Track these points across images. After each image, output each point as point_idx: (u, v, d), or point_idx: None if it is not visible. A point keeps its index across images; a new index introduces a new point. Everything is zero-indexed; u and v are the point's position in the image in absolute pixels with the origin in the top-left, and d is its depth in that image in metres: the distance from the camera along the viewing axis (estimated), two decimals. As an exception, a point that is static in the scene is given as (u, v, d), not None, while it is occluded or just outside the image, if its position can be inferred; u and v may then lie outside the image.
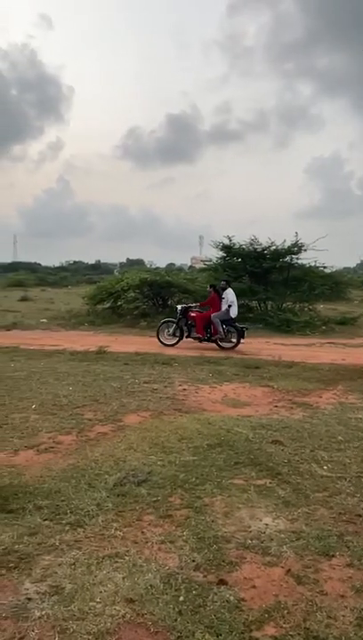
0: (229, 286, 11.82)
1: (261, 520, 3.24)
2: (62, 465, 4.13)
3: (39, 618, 2.27)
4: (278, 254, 16.73)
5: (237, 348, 11.05)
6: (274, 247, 16.83)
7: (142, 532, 3.06)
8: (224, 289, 11.64)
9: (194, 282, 17.43)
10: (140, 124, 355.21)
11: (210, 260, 19.09)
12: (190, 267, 66.96)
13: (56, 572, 2.62)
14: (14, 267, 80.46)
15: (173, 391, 6.88)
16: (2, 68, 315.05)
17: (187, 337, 11.58)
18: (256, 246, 17.06)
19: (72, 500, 3.43)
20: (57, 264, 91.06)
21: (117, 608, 2.33)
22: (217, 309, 11.45)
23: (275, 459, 4.30)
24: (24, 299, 26.54)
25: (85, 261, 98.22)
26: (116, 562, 2.73)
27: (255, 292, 16.40)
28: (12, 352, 9.94)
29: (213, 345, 11.36)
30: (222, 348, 11.23)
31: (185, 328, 11.61)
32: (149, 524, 3.16)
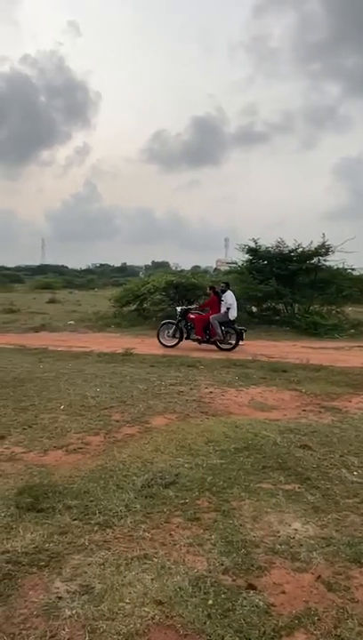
0: (229, 289, 11.92)
1: (290, 525, 3.21)
2: (91, 465, 4.18)
3: (70, 617, 2.30)
4: (305, 256, 16.55)
5: (262, 352, 10.97)
6: (301, 249, 16.67)
7: (170, 535, 3.06)
8: (223, 291, 11.75)
9: (220, 284, 17.38)
10: (166, 127, 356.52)
11: (235, 263, 19.04)
12: (215, 269, 66.80)
13: (86, 572, 2.64)
14: (42, 269, 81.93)
15: (199, 394, 6.88)
16: (31, 75, 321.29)
17: (186, 338, 11.71)
18: (282, 248, 16.93)
19: (101, 501, 3.46)
20: (84, 267, 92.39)
21: (147, 609, 2.34)
22: (216, 311, 11.56)
23: (304, 463, 4.25)
24: (52, 301, 27.01)
25: (112, 264, 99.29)
26: (145, 563, 2.74)
27: (282, 294, 16.25)
28: (40, 353, 10.11)
29: (235, 348, 11.33)
30: (222, 350, 11.33)
31: (185, 329, 11.73)
32: (177, 527, 3.16)
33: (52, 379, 7.60)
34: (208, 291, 12.42)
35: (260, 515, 3.34)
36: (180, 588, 2.51)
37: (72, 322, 16.71)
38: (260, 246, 17.31)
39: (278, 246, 17.05)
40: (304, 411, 6.14)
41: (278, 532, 3.12)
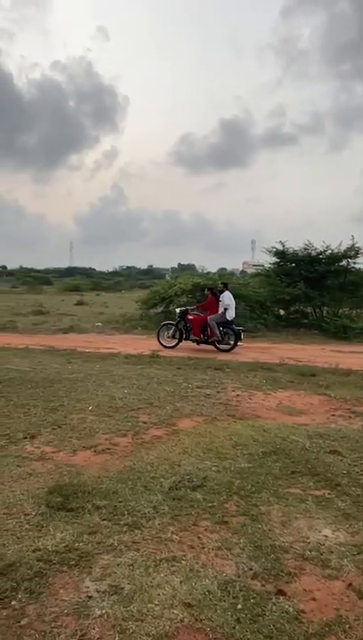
0: (227, 289, 11.95)
1: (320, 531, 3.16)
2: (119, 466, 4.21)
3: (99, 616, 2.32)
4: (334, 258, 16.31)
5: (290, 356, 10.86)
6: (329, 251, 16.44)
7: (199, 538, 3.06)
8: (221, 292, 11.80)
9: (247, 287, 17.27)
10: (193, 129, 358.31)
11: (262, 266, 18.91)
12: (242, 271, 66.54)
13: (115, 572, 2.67)
14: (70, 272, 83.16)
15: (226, 397, 6.86)
16: (60, 81, 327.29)
17: (186, 339, 11.79)
18: (311, 250, 16.73)
19: (129, 502, 3.48)
20: (111, 269, 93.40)
21: (176, 612, 2.34)
22: (214, 312, 11.61)
23: (333, 469, 4.18)
24: (80, 303, 27.34)
25: (138, 266, 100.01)
26: (174, 565, 2.74)
27: (310, 297, 16.05)
28: (69, 354, 10.25)
29: (259, 350, 11.25)
30: (220, 351, 11.40)
31: (184, 330, 11.83)
32: (206, 530, 3.15)
33: (80, 379, 7.70)
34: (206, 291, 12.53)
35: (289, 520, 3.30)
36: (208, 591, 2.50)
37: (100, 324, 16.88)
38: (287, 248, 17.14)
39: (305, 248, 16.86)
40: (333, 415, 6.05)
41: (308, 538, 3.08)
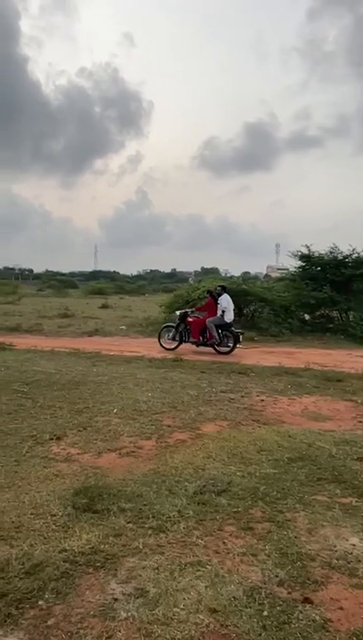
0: (226, 292, 11.98)
1: (347, 540, 3.11)
2: (143, 469, 4.23)
3: (125, 619, 2.33)
4: (361, 262, 16.06)
5: (315, 360, 10.73)
6: (356, 254, 16.21)
7: (224, 543, 3.04)
8: (220, 295, 11.87)
9: (271, 291, 17.13)
10: (217, 133, 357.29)
11: (287, 269, 18.76)
12: (266, 275, 66.14)
13: (140, 575, 2.67)
14: (95, 275, 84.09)
15: (250, 401, 6.81)
16: (87, 87, 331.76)
17: (186, 341, 11.94)
18: (337, 254, 16.52)
19: (154, 505, 3.49)
20: (134, 273, 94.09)
21: (201, 617, 2.34)
22: (213, 315, 11.71)
23: (361, 477, 4.11)
24: (104, 306, 27.62)
25: (162, 270, 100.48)
26: (199, 570, 2.73)
27: (336, 301, 15.83)
28: (94, 357, 10.35)
29: (284, 355, 11.14)
30: (219, 353, 11.50)
31: (184, 333, 11.98)
32: (230, 535, 3.14)
33: (105, 382, 7.76)
34: (206, 294, 12.64)
35: (315, 527, 3.26)
36: (234, 597, 2.49)
37: (124, 327, 16.99)
38: (313, 252, 16.96)
39: (331, 252, 16.66)
40: (360, 422, 5.95)
41: (335, 546, 3.03)
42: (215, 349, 11.68)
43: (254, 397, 7.06)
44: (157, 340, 12.45)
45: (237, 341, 11.57)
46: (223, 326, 11.65)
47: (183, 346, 12.05)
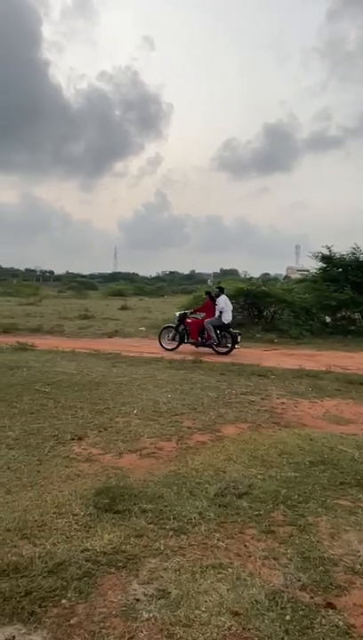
0: (223, 293, 12.19)
1: (371, 545, 3.06)
2: (164, 471, 4.23)
3: (147, 620, 2.34)
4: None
5: (337, 363, 10.60)
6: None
7: (245, 546, 3.03)
8: (217, 296, 12.08)
9: (291, 292, 17.01)
10: (236, 135, 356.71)
11: (307, 271, 18.60)
12: (286, 277, 65.65)
13: (162, 576, 2.68)
14: (114, 277, 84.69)
15: (270, 404, 6.77)
16: (107, 90, 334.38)
17: (185, 342, 12.15)
18: (358, 255, 16.33)
19: (175, 507, 3.49)
20: (154, 274, 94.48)
21: (223, 619, 2.33)
22: (211, 316, 11.91)
23: (384, 481, 4.05)
24: (124, 307, 27.81)
25: (181, 272, 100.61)
26: (220, 572, 2.73)
27: (358, 303, 15.64)
28: (114, 358, 10.41)
29: (305, 357, 11.04)
30: (218, 353, 11.70)
31: (185, 333, 12.19)
32: (252, 538, 3.12)
33: (125, 383, 7.80)
34: (204, 296, 12.86)
35: (338, 532, 3.22)
36: (256, 600, 2.47)
37: (143, 328, 17.06)
38: (334, 253, 16.80)
39: (353, 253, 16.49)
40: (383, 426, 5.86)
41: (359, 551, 2.99)
42: (214, 350, 11.90)
43: (275, 400, 7.02)
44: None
45: (235, 342, 11.75)
46: (221, 327, 11.86)
47: (182, 346, 12.20)
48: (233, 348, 11.77)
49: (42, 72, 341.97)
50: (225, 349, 11.80)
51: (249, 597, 2.50)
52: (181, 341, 12.23)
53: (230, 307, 12.14)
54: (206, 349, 11.94)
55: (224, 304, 11.94)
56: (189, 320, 12.23)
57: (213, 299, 12.15)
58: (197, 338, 12.00)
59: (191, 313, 12.53)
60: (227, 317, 11.83)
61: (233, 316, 16.93)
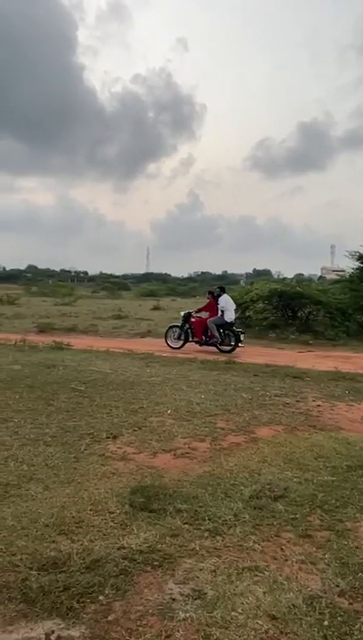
0: (225, 293, 12.44)
1: None
2: (198, 471, 4.23)
3: (183, 619, 2.34)
4: None
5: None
6: None
7: (281, 549, 2.99)
8: (219, 295, 12.33)
9: (326, 293, 16.71)
10: (270, 134, 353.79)
11: (343, 271, 18.24)
12: (320, 277, 64.60)
13: (198, 577, 2.67)
14: (147, 277, 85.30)
15: (306, 406, 6.67)
16: (140, 93, 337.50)
17: (190, 341, 12.43)
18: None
19: (210, 508, 3.49)
20: (186, 275, 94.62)
21: (260, 622, 2.31)
22: (214, 315, 12.17)
23: None
24: (156, 308, 27.98)
25: (213, 272, 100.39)
26: (257, 575, 2.70)
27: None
28: (147, 358, 10.49)
29: (341, 360, 10.82)
30: (222, 352, 11.93)
31: (190, 332, 12.48)
32: (288, 542, 3.08)
33: (158, 383, 7.84)
34: (207, 295, 13.05)
35: (377, 539, 3.14)
36: (293, 604, 2.44)
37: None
38: (371, 253, 16.41)
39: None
40: None
41: None
42: (218, 348, 12.10)
43: (310, 402, 6.91)
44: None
45: (238, 340, 11.91)
46: (224, 326, 12.03)
47: (187, 345, 12.51)
48: (236, 346, 11.94)
49: (77, 76, 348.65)
50: (228, 348, 12.01)
51: (286, 601, 2.47)
52: (186, 340, 12.50)
53: (233, 306, 12.38)
54: (210, 347, 12.19)
55: (226, 303, 12.15)
56: (193, 319, 12.52)
57: (215, 298, 12.39)
58: (200, 336, 12.25)
59: (195, 312, 12.77)
60: (229, 316, 12.02)
61: (266, 317, 16.84)
